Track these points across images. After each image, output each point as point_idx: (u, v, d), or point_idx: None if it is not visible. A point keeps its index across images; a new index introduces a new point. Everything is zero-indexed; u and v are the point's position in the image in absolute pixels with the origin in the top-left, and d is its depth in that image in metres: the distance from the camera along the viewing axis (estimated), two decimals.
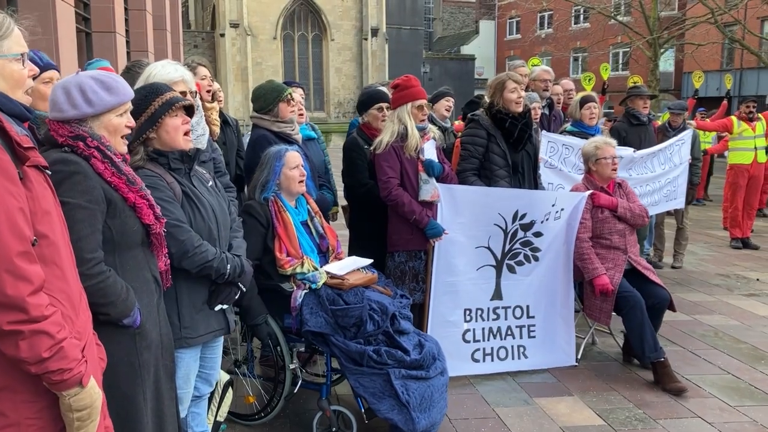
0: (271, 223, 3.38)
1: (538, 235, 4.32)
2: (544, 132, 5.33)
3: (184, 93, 2.83)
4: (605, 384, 4.16)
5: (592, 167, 4.48)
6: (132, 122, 2.21)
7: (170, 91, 2.50)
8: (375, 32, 38.68)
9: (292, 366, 3.40)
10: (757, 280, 6.86)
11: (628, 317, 4.18)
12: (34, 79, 1.85)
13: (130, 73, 3.56)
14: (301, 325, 3.25)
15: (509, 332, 4.35)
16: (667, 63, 29.13)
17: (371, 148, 4.11)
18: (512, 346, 4.35)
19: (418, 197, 3.99)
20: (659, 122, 8.40)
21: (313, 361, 3.98)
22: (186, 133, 2.52)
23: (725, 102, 12.51)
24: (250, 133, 4.41)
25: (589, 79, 11.04)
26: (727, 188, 9.10)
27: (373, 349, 3.15)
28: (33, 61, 2.29)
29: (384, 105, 4.40)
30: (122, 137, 2.18)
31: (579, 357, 4.51)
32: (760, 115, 8.97)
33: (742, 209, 8.71)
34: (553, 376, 4.28)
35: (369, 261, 3.56)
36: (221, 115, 4.33)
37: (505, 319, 4.34)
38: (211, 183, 2.72)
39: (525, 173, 4.57)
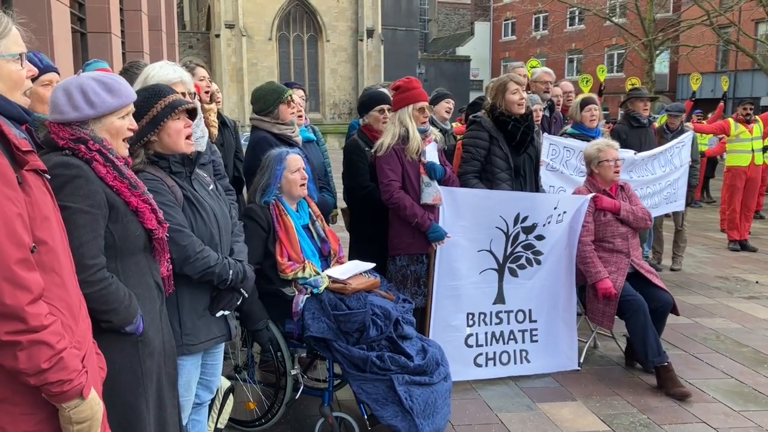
0: (272, 227, 3.33)
1: (540, 238, 4.28)
2: (545, 134, 5.30)
3: (183, 94, 2.77)
4: (608, 388, 4.13)
5: (594, 170, 4.45)
6: (134, 125, 2.16)
7: (173, 94, 2.45)
8: (370, 33, 38.69)
9: (293, 372, 3.34)
10: (757, 282, 6.84)
11: (631, 321, 4.14)
12: (33, 80, 1.80)
13: (128, 74, 3.50)
14: (302, 331, 3.20)
15: (512, 336, 4.31)
16: (662, 65, 29.22)
17: (372, 150, 4.06)
18: (515, 351, 4.30)
19: (419, 200, 3.94)
20: (657, 124, 8.39)
21: (313, 366, 3.92)
22: (188, 137, 2.47)
23: (721, 103, 12.54)
24: (246, 134, 4.38)
25: (587, 81, 11.06)
26: (724, 190, 9.10)
27: (376, 355, 3.10)
28: (32, 63, 2.24)
29: (385, 107, 4.36)
30: (124, 140, 2.12)
31: (581, 361, 4.48)
32: (757, 117, 8.97)
33: (739, 211, 8.70)
34: (555, 381, 4.24)
35: (371, 265, 3.52)
36: (219, 116, 4.27)
37: (508, 323, 4.30)
38: (212, 186, 2.67)
39: (526, 176, 4.53)
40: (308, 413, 3.69)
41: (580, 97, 5.73)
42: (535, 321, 4.36)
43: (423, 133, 4.02)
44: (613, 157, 4.39)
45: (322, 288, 3.24)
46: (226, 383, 3.11)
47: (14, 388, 1.56)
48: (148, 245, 2.16)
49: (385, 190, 3.92)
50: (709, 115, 13.25)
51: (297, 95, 4.42)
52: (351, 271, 3.39)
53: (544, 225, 4.26)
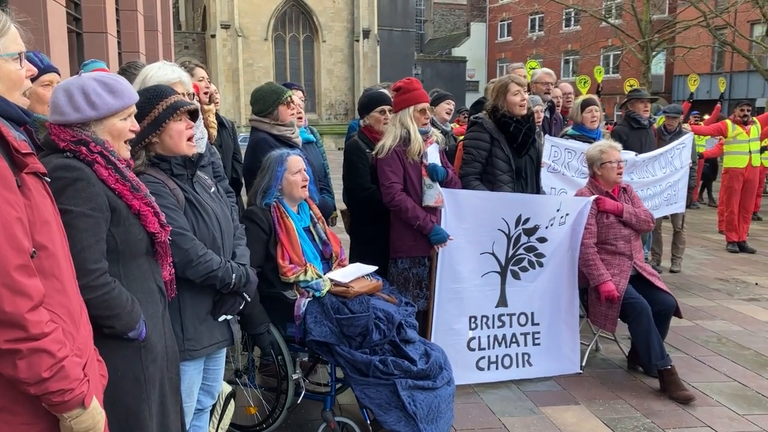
0: (273, 230, 3.28)
1: (542, 240, 4.25)
2: (547, 136, 5.27)
3: (181, 95, 2.73)
4: (611, 392, 4.10)
5: (597, 171, 4.42)
6: (136, 126, 2.11)
7: (175, 95, 2.40)
8: (366, 34, 38.67)
9: (295, 376, 3.30)
10: (756, 284, 6.83)
11: (635, 324, 4.11)
12: (32, 80, 1.75)
13: (126, 75, 3.45)
14: (304, 335, 3.15)
15: (514, 340, 4.27)
16: (657, 66, 29.29)
17: (373, 152, 4.02)
18: (517, 354, 4.27)
19: (421, 202, 3.90)
20: (655, 126, 8.37)
21: (313, 371, 3.88)
22: (189, 139, 2.43)
23: (719, 105, 12.55)
24: (242, 135, 4.33)
25: (585, 82, 11.04)
26: (722, 192, 9.09)
27: (379, 359, 3.06)
28: (32, 63, 2.19)
29: (386, 108, 4.32)
30: (125, 142, 2.08)
31: (583, 364, 4.44)
32: (755, 118, 8.95)
33: (738, 213, 8.69)
34: (558, 384, 4.21)
35: (374, 268, 3.48)
36: (217, 117, 4.23)
37: (510, 326, 4.26)
38: (213, 189, 2.63)
39: (528, 178, 4.50)
40: (309, 418, 3.64)
41: (581, 98, 5.71)
42: (538, 324, 4.33)
43: (424, 134, 3.99)
44: (616, 159, 4.36)
45: (324, 291, 3.20)
46: (227, 388, 3.06)
47: (14, 398, 1.52)
48: (150, 249, 2.11)
49: (386, 192, 3.88)
50: (706, 117, 13.26)
51: (296, 96, 4.37)
52: (353, 274, 3.35)
53: (546, 227, 4.23)
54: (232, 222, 2.68)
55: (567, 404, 3.93)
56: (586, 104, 5.51)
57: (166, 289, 2.21)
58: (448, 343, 3.89)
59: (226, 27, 35.69)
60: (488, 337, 4.22)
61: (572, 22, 35.01)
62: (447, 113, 5.35)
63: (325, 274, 3.32)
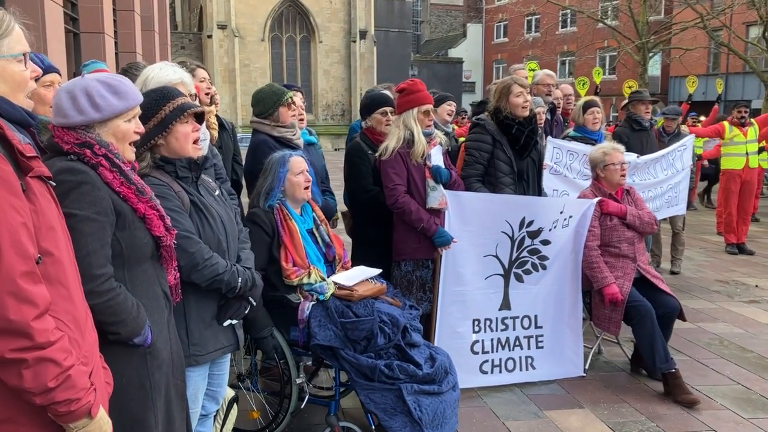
0: (276, 232, 3.25)
1: (545, 243, 4.22)
2: (549, 138, 5.24)
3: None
4: (615, 396, 4.07)
5: (600, 174, 4.39)
6: (141, 128, 2.07)
7: (181, 96, 2.37)
8: (363, 35, 38.62)
9: (298, 380, 3.26)
10: (756, 286, 6.82)
11: (638, 327, 4.09)
12: (36, 81, 1.71)
13: (126, 76, 3.40)
14: (308, 338, 3.12)
15: (517, 343, 4.24)
16: (653, 67, 29.32)
17: (376, 154, 3.98)
18: (520, 357, 4.24)
19: (425, 205, 3.87)
20: (655, 127, 8.36)
21: (316, 374, 3.84)
22: (195, 141, 2.39)
23: (716, 106, 12.58)
24: (240, 136, 4.29)
25: (583, 84, 11.05)
26: (720, 194, 9.09)
27: (385, 364, 3.03)
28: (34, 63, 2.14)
29: (388, 109, 4.29)
30: (130, 144, 2.04)
31: (587, 367, 4.42)
32: (752, 120, 8.94)
33: (736, 214, 8.69)
34: (561, 388, 4.18)
35: (378, 271, 3.44)
36: (217, 118, 4.19)
37: (513, 329, 4.23)
38: (217, 192, 2.59)
39: (530, 180, 4.48)
40: (313, 422, 3.61)
41: (583, 99, 5.68)
42: (541, 327, 4.30)
43: (428, 136, 3.95)
44: (619, 161, 4.34)
45: (328, 295, 3.17)
46: (230, 393, 3.02)
47: (18, 408, 1.48)
48: (155, 253, 2.07)
49: (390, 194, 3.85)
50: (702, 118, 13.26)
51: (297, 98, 4.34)
52: (357, 277, 3.32)
53: (550, 229, 4.20)
54: (237, 225, 2.64)
55: (571, 408, 3.90)
56: (587, 106, 5.48)
57: (171, 294, 2.18)
58: (452, 347, 3.85)
59: (222, 27, 35.59)
60: (492, 340, 4.19)
61: (568, 24, 35.05)
62: (448, 114, 5.32)
63: (328, 276, 3.29)
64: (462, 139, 5.44)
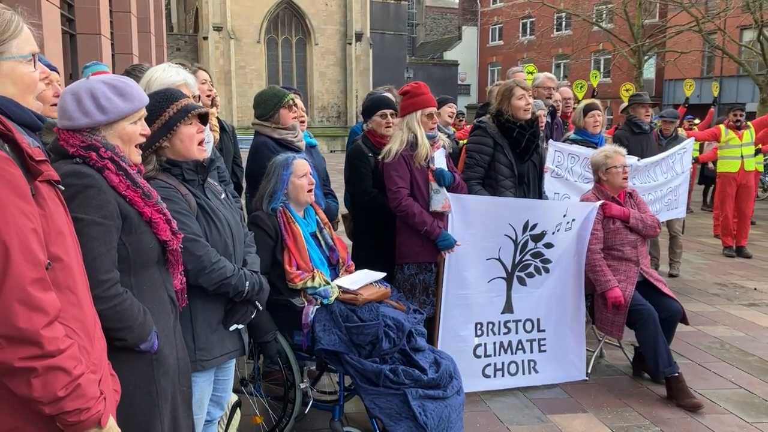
0: (279, 235, 3.22)
1: (549, 246, 4.20)
2: (551, 141, 5.23)
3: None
4: (618, 399, 4.05)
5: (602, 177, 4.38)
6: (147, 130, 2.05)
7: (185, 98, 2.34)
8: (359, 37, 38.61)
9: (302, 385, 3.23)
10: (755, 289, 6.82)
11: (642, 331, 4.08)
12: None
13: (131, 78, 3.38)
14: (312, 343, 3.09)
15: (520, 346, 4.22)
16: (648, 71, 29.43)
17: (379, 157, 3.96)
18: (523, 361, 4.22)
19: (428, 207, 3.85)
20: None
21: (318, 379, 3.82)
22: (200, 143, 2.36)
23: (712, 109, 12.60)
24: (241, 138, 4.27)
25: (581, 87, 11.06)
26: (716, 196, 9.10)
27: (390, 368, 3.00)
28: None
29: (388, 111, 4.27)
30: (136, 146, 2.01)
31: (589, 371, 4.40)
32: (749, 123, 8.95)
33: (732, 217, 8.69)
34: (564, 392, 4.16)
35: (382, 274, 3.42)
36: (218, 120, 4.17)
37: (516, 332, 4.21)
38: (223, 195, 2.57)
39: (530, 184, 4.47)
40: (316, 427, 3.57)
41: (584, 102, 5.67)
42: (544, 330, 4.28)
43: (431, 139, 3.94)
44: (621, 164, 4.33)
45: (332, 299, 3.14)
46: (233, 397, 2.99)
47: (27, 417, 1.45)
48: (161, 257, 2.05)
49: (393, 197, 3.83)
50: (697, 121, 13.29)
51: (298, 100, 4.31)
52: (361, 280, 3.29)
53: (553, 233, 4.18)
54: (243, 228, 2.61)
55: (575, 412, 3.88)
56: (588, 109, 5.47)
57: (177, 299, 2.15)
58: (455, 350, 3.83)
59: (218, 29, 35.51)
60: (494, 343, 4.17)
61: (563, 26, 35.13)
62: (449, 116, 5.31)
63: (332, 280, 3.26)
64: (463, 142, 5.43)
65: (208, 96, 3.90)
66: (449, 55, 45.45)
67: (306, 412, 3.30)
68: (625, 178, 4.35)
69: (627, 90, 11.81)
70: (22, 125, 1.53)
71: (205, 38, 35.39)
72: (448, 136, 5.10)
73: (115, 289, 1.84)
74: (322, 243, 3.40)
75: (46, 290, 1.41)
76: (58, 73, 2.81)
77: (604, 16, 26.69)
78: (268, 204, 3.28)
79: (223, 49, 35.66)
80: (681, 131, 9.14)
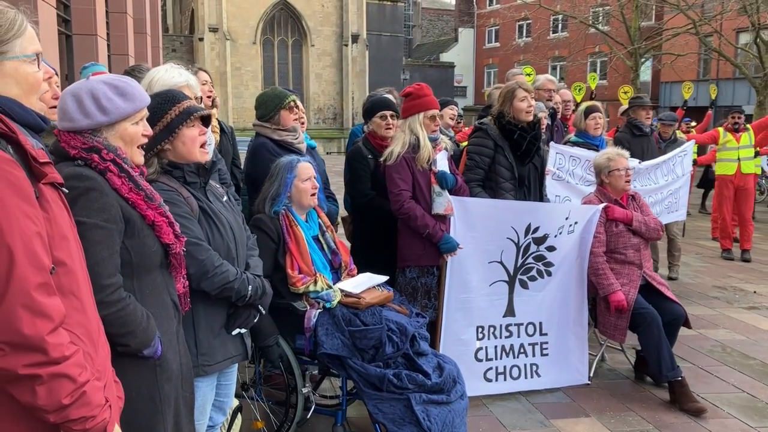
0: (281, 239, 3.18)
1: (551, 249, 4.18)
2: (552, 143, 5.21)
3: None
4: (621, 404, 4.03)
5: (604, 179, 4.36)
6: (149, 130, 2.01)
7: (187, 100, 2.30)
8: (355, 38, 38.57)
9: (304, 390, 3.19)
10: (754, 292, 6.81)
11: (645, 335, 4.05)
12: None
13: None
14: (315, 347, 3.05)
15: (522, 350, 4.19)
16: (644, 73, 29.49)
17: (381, 159, 3.93)
18: (525, 365, 4.19)
19: (431, 210, 3.82)
20: None
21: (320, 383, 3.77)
22: (202, 145, 2.32)
23: (709, 112, 12.61)
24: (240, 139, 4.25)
25: (579, 89, 11.06)
26: (714, 199, 9.09)
27: (393, 373, 2.97)
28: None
29: (387, 113, 4.24)
30: (139, 147, 1.97)
31: (591, 375, 4.38)
32: (748, 125, 8.94)
33: (730, 220, 8.68)
34: (566, 396, 4.14)
35: (384, 278, 3.39)
36: (217, 121, 4.13)
37: (518, 336, 4.19)
38: (225, 198, 2.53)
39: (531, 186, 4.44)
40: (317, 431, 3.54)
41: (585, 105, 5.66)
42: (546, 334, 4.26)
43: (434, 141, 3.91)
44: (624, 167, 4.31)
45: (334, 302, 3.11)
46: (234, 402, 2.95)
47: (30, 426, 1.41)
48: (164, 261, 2.01)
49: (395, 200, 3.80)
50: (693, 123, 13.30)
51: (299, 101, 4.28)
52: (364, 284, 3.26)
53: (555, 236, 4.16)
54: (245, 231, 2.58)
55: (577, 416, 3.86)
56: (589, 111, 5.46)
57: (179, 303, 2.11)
58: (456, 354, 3.79)
59: (214, 30, 35.42)
60: (496, 347, 4.14)
61: (560, 29, 35.17)
62: (450, 118, 5.29)
63: (334, 284, 3.23)
64: (463, 144, 5.41)
65: (209, 97, 3.87)
66: (445, 57, 45.46)
67: (308, 417, 3.26)
68: (628, 181, 4.33)
69: (625, 92, 11.80)
70: (26, 126, 1.50)
71: (201, 39, 35.29)
72: (450, 139, 5.08)
73: (118, 294, 1.81)
74: (325, 246, 3.37)
75: (51, 295, 1.37)
76: (57, 73, 2.77)
77: (600, 18, 26.72)
78: (270, 207, 3.24)
79: (218, 50, 35.57)
80: (679, 134, 9.14)
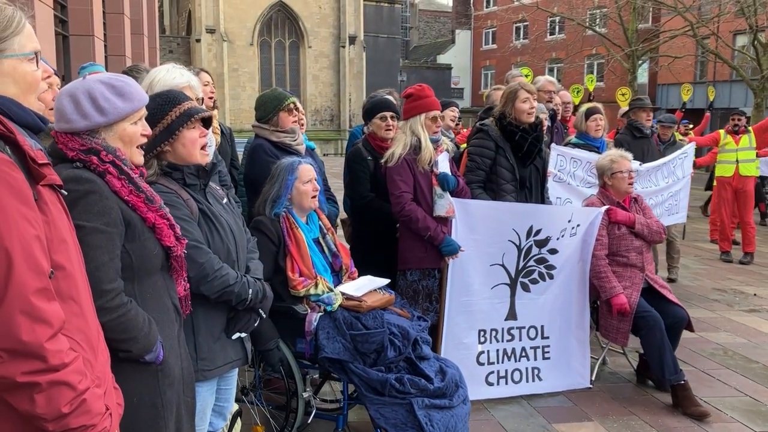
0: (282, 241, 3.14)
1: (553, 252, 4.14)
2: (553, 145, 5.18)
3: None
4: (623, 408, 4.00)
5: (607, 181, 4.33)
6: (148, 130, 1.97)
7: (188, 101, 2.26)
8: (352, 40, 38.57)
9: (305, 394, 3.15)
10: (754, 295, 6.80)
11: (647, 338, 4.02)
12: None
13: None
14: (315, 351, 3.02)
15: (523, 354, 4.16)
16: (641, 75, 29.53)
17: (382, 160, 3.89)
18: (526, 368, 4.16)
19: (432, 212, 3.78)
20: None
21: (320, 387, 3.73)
22: (203, 147, 2.29)
23: (708, 114, 12.60)
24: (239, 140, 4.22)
25: (578, 91, 11.04)
26: (713, 201, 9.08)
27: (395, 378, 2.94)
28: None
29: (387, 114, 4.21)
30: (138, 147, 1.93)
31: (593, 379, 4.34)
32: (750, 128, 8.92)
33: (728, 222, 8.66)
34: (568, 400, 4.10)
35: (386, 281, 3.35)
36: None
37: (520, 339, 4.15)
38: (225, 200, 2.49)
39: (532, 188, 4.40)
40: None
41: (586, 106, 5.64)
42: (548, 338, 4.22)
43: (435, 142, 3.87)
44: (627, 169, 4.28)
45: (335, 306, 3.07)
46: (233, 406, 2.91)
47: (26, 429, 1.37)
48: (165, 264, 1.97)
49: (396, 202, 3.76)
50: (691, 126, 13.30)
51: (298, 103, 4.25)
52: (365, 287, 3.23)
53: (557, 238, 4.13)
54: (245, 234, 2.54)
55: (580, 421, 3.82)
56: (590, 113, 5.44)
57: (180, 306, 2.07)
58: (458, 358, 3.75)
59: (211, 31, 35.37)
60: (497, 351, 4.11)
61: (557, 30, 35.19)
62: (451, 120, 5.26)
63: (335, 287, 3.19)
64: (462, 146, 5.38)
65: (210, 98, 3.84)
66: (443, 59, 45.49)
67: (309, 421, 3.22)
68: (631, 183, 4.30)
69: (623, 95, 11.78)
70: (24, 126, 1.46)
71: (198, 41, 35.24)
72: (451, 140, 5.05)
73: (119, 299, 1.77)
74: (325, 249, 3.33)
75: (50, 300, 1.33)
76: (57, 74, 2.73)
77: (598, 20, 26.75)
78: (271, 209, 3.20)
79: (215, 51, 35.52)
80: (678, 136, 9.12)
